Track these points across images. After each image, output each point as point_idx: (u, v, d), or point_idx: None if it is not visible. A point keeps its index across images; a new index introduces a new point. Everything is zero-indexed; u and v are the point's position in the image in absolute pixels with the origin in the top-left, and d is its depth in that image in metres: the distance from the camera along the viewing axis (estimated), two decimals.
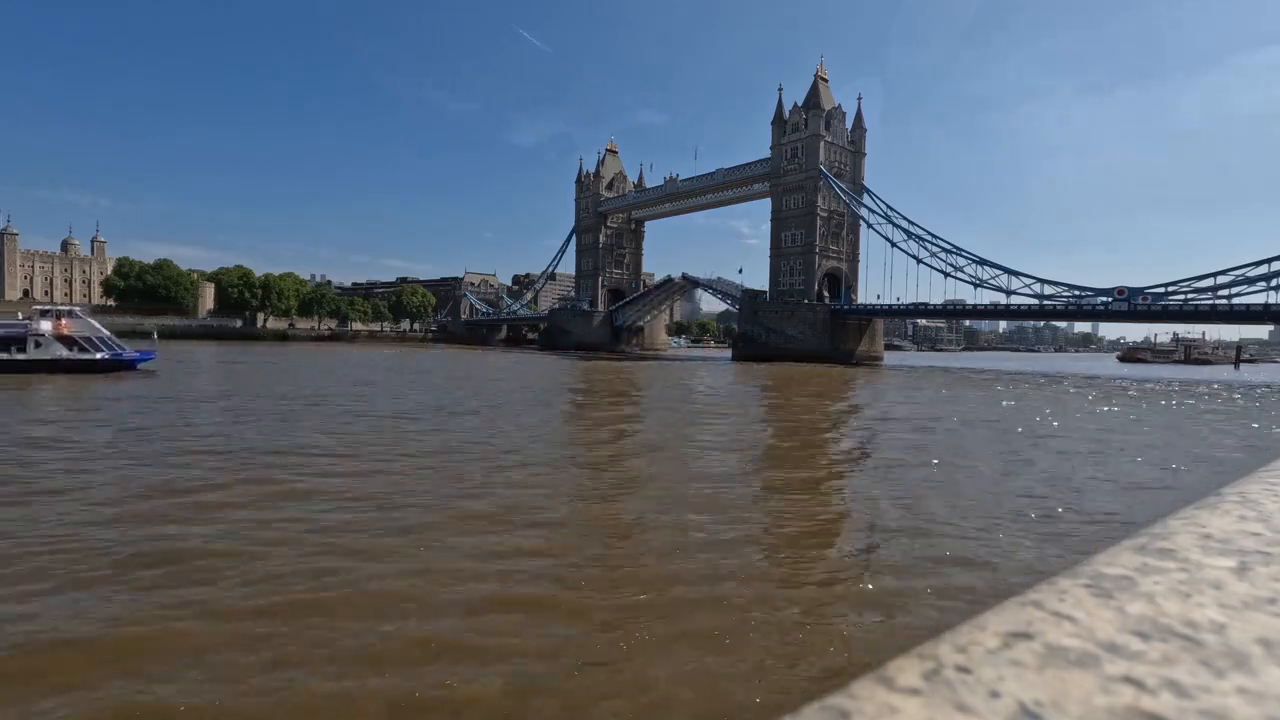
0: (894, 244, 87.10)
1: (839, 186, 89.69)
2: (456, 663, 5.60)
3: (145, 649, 5.70)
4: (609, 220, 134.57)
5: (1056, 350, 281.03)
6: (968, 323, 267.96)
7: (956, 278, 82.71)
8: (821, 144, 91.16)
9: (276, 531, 8.87)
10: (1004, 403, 32.57)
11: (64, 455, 13.83)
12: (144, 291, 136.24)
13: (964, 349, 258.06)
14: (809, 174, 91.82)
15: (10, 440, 15.56)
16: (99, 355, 38.00)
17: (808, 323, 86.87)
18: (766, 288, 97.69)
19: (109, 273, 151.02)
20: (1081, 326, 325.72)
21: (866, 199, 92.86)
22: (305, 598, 6.80)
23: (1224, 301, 65.39)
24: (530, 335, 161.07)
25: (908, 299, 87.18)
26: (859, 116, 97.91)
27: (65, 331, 37.66)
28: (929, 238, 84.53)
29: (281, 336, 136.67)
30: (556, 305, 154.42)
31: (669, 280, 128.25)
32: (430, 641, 5.94)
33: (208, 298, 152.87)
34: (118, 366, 38.42)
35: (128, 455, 14.11)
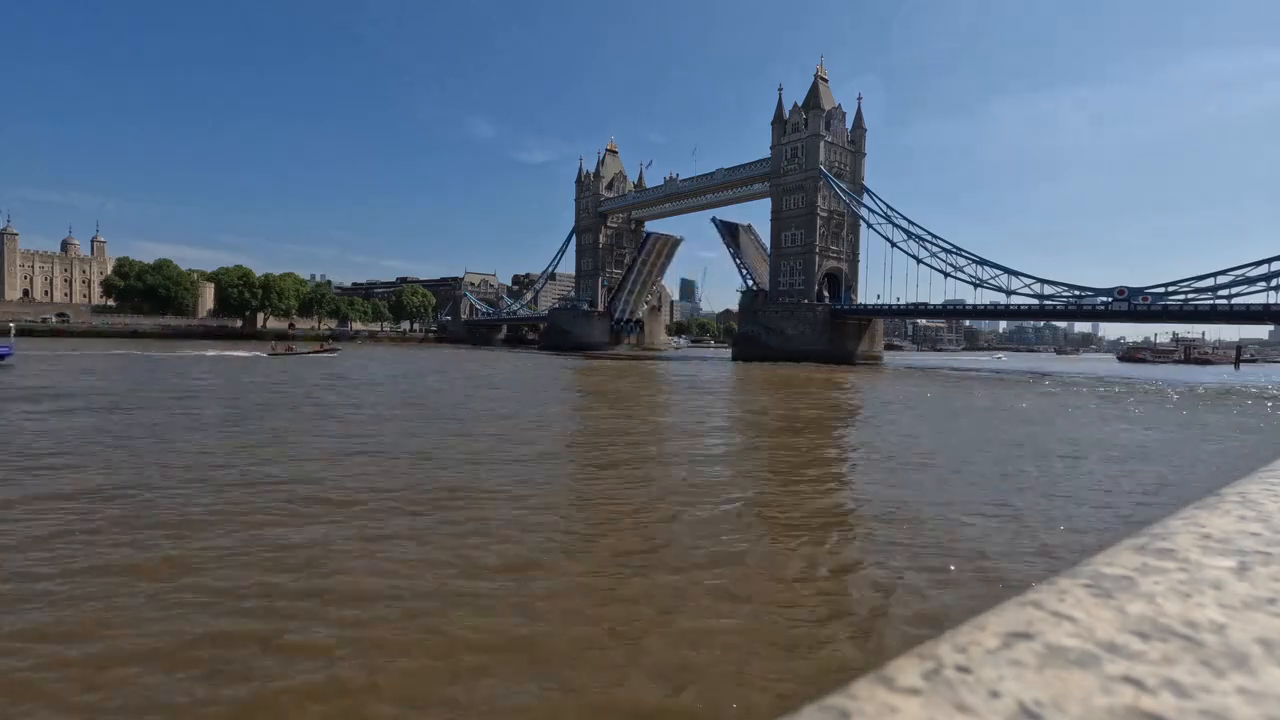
0: (894, 244, 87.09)
1: (839, 186, 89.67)
2: None
3: None
4: (609, 220, 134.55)
5: (1056, 351, 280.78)
6: (968, 323, 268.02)
7: (956, 278, 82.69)
8: (821, 144, 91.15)
9: None
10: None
11: None
12: (144, 291, 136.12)
13: (964, 349, 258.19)
14: (809, 174, 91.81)
15: None
16: None
17: (808, 323, 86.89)
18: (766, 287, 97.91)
19: (109, 273, 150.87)
20: (1081, 326, 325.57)
21: (866, 199, 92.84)
22: None
23: (1224, 301, 65.35)
24: (530, 335, 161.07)
25: (908, 299, 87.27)
26: (859, 116, 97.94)
27: None
28: (929, 238, 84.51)
29: (282, 336, 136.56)
30: (556, 305, 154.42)
31: (646, 240, 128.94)
32: None
33: (208, 298, 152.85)
34: None
35: None
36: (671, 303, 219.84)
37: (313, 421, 19.94)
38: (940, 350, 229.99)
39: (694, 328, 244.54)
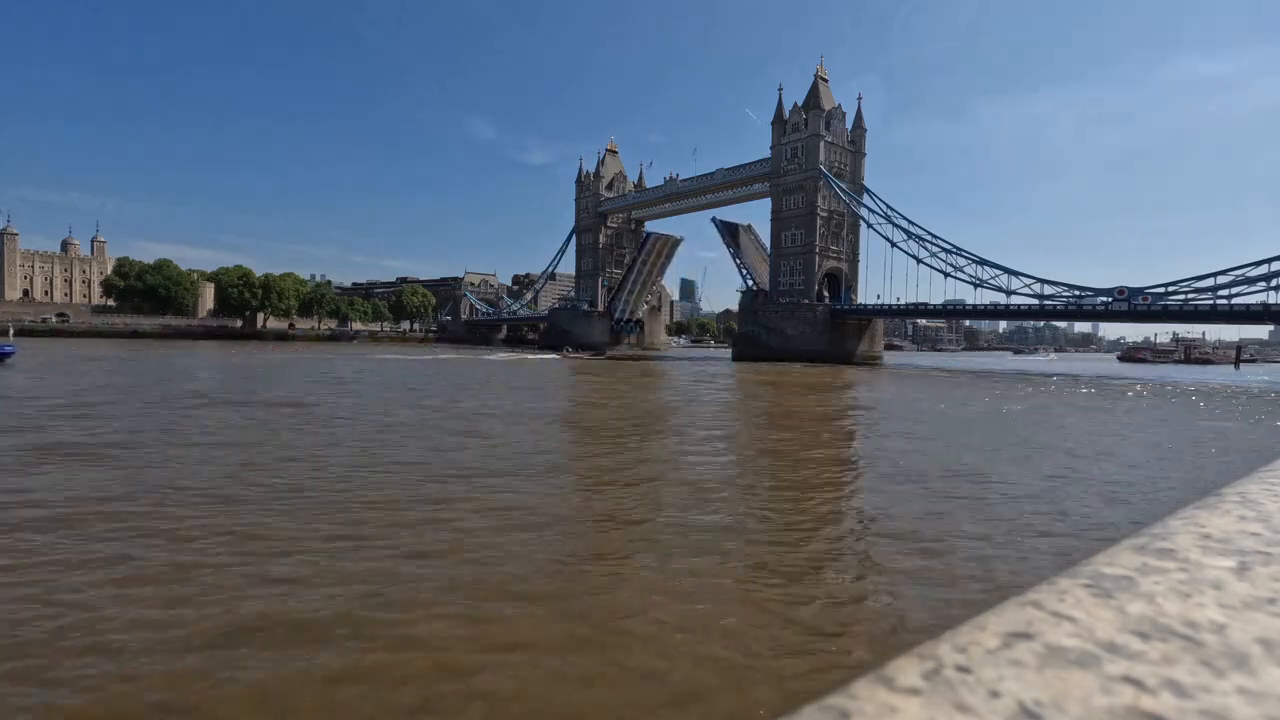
0: (894, 244, 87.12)
1: (839, 186, 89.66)
2: None
3: None
4: (609, 220, 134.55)
5: (1056, 350, 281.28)
6: (968, 323, 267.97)
7: (956, 278, 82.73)
8: (821, 144, 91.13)
9: None
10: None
11: None
12: (144, 291, 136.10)
13: (964, 349, 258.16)
14: (809, 174, 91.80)
15: None
16: None
17: (808, 323, 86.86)
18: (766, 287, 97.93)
19: (109, 273, 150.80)
20: (1081, 326, 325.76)
21: (866, 199, 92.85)
22: None
23: (1224, 301, 65.40)
24: (530, 335, 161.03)
25: (908, 299, 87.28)
26: (859, 116, 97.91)
27: None
28: (929, 238, 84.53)
29: (282, 336, 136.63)
30: (556, 305, 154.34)
31: (646, 240, 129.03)
32: None
33: (208, 298, 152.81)
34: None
35: None
36: (671, 303, 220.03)
37: None
38: (940, 350, 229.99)
39: (694, 328, 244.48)
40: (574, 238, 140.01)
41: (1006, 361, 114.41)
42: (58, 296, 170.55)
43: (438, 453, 15.14)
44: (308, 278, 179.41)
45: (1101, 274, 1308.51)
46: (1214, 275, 66.13)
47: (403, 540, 8.61)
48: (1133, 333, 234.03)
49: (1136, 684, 0.57)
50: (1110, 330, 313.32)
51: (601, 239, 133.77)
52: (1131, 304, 69.57)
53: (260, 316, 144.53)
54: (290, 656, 5.55)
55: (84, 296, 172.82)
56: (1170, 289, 68.26)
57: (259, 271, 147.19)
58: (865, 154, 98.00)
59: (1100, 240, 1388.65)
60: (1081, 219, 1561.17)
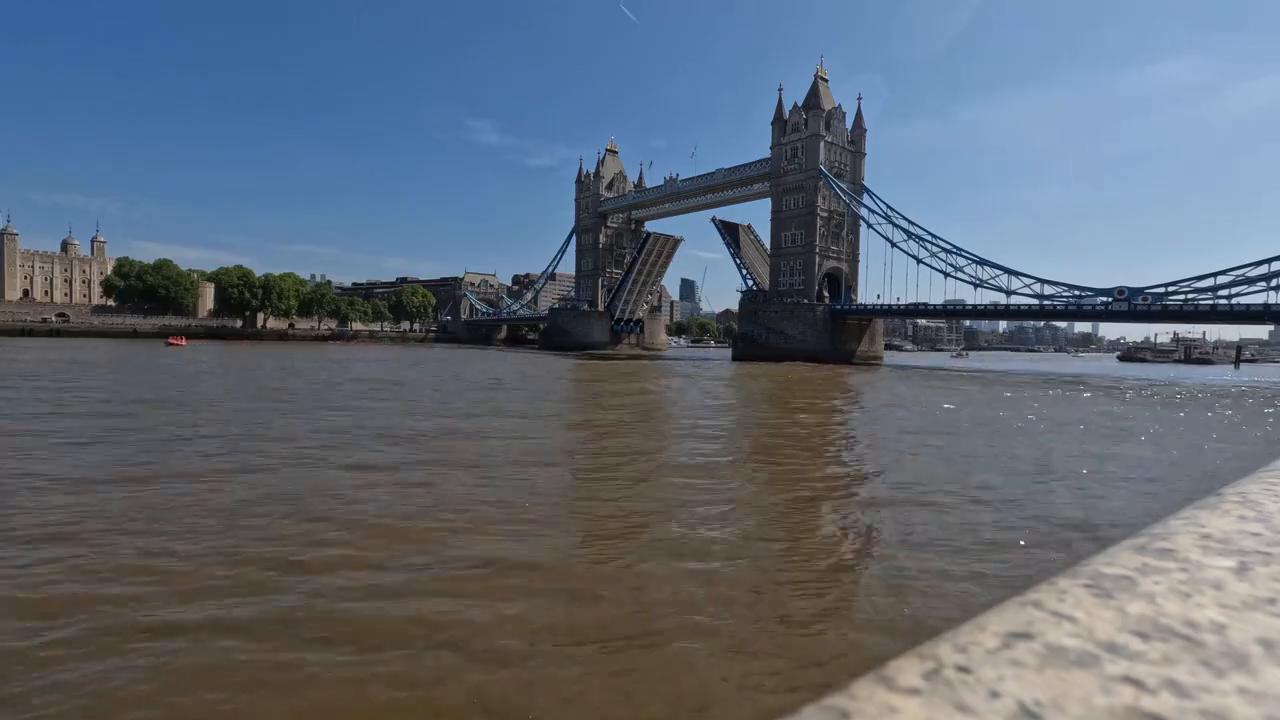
0: (894, 244, 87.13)
1: (839, 186, 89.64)
2: None
3: None
4: (609, 220, 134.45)
5: (1056, 350, 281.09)
6: (968, 323, 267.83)
7: (956, 278, 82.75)
8: (821, 144, 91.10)
9: None
10: None
11: None
12: (144, 292, 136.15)
13: (964, 349, 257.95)
14: (809, 174, 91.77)
15: None
16: None
17: (808, 323, 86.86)
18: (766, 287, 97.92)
19: (109, 273, 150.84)
20: (1081, 326, 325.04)
21: (866, 199, 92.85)
22: None
23: (1224, 301, 65.42)
24: (530, 335, 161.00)
25: (908, 299, 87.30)
26: (859, 116, 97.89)
27: None
28: (929, 238, 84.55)
29: (282, 336, 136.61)
30: (556, 305, 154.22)
31: (646, 239, 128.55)
32: None
33: (208, 298, 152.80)
34: None
35: None
36: (671, 303, 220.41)
37: None
38: (940, 350, 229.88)
39: (694, 328, 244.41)
40: (574, 238, 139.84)
41: (970, 362, 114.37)
42: (58, 296, 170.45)
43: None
44: (308, 278, 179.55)
45: (1101, 274, 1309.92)
46: (1214, 275, 66.16)
47: None
48: (1133, 332, 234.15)
49: (1136, 684, 0.58)
50: (1110, 330, 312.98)
51: (601, 239, 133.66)
52: (1131, 304, 69.59)
53: (260, 316, 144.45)
54: None
55: (84, 296, 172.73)
56: (1170, 289, 68.28)
57: (259, 271, 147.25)
58: (865, 154, 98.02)
59: (1100, 240, 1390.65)
60: (1081, 219, 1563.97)
